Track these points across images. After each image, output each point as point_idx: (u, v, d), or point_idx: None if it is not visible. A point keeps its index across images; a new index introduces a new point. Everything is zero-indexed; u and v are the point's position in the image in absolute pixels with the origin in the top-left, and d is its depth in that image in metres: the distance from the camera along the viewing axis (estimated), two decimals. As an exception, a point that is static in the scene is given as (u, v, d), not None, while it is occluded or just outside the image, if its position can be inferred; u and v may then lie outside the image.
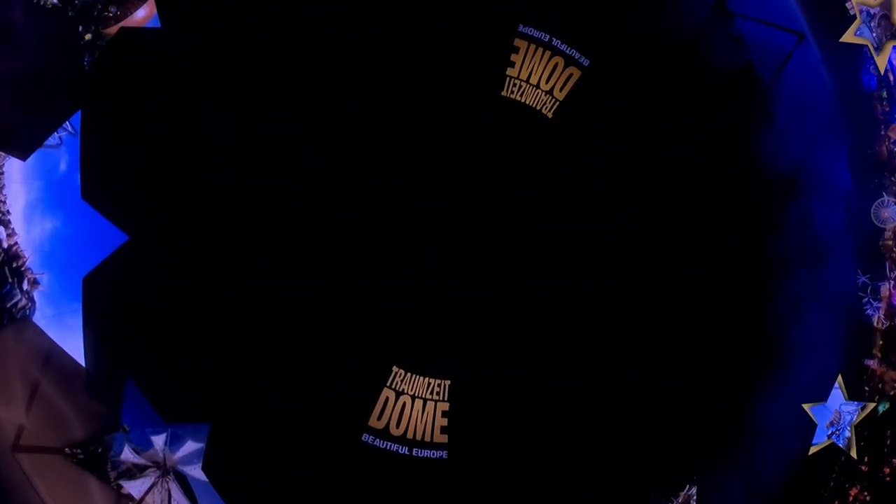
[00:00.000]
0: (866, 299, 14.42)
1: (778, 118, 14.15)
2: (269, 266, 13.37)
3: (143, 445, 12.28)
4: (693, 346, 13.76)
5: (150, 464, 12.30)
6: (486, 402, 13.36)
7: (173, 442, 12.29)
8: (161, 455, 12.30)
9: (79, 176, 13.26)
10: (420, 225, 13.53)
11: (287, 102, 13.17)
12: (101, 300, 13.21)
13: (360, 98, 13.31)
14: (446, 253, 13.57)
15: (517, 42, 13.63)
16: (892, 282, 13.82)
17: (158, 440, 12.25)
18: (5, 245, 13.15)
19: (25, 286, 13.24)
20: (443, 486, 13.31)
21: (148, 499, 12.25)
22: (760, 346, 13.95)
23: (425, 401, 13.45)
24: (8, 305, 12.80)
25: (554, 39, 13.75)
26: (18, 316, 12.74)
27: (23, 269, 13.36)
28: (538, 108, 13.72)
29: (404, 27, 13.25)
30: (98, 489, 11.99)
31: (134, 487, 12.23)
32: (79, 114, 12.81)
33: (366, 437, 13.31)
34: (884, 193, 14.45)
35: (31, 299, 13.29)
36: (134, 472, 12.34)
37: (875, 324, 14.34)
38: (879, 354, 14.34)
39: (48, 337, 12.58)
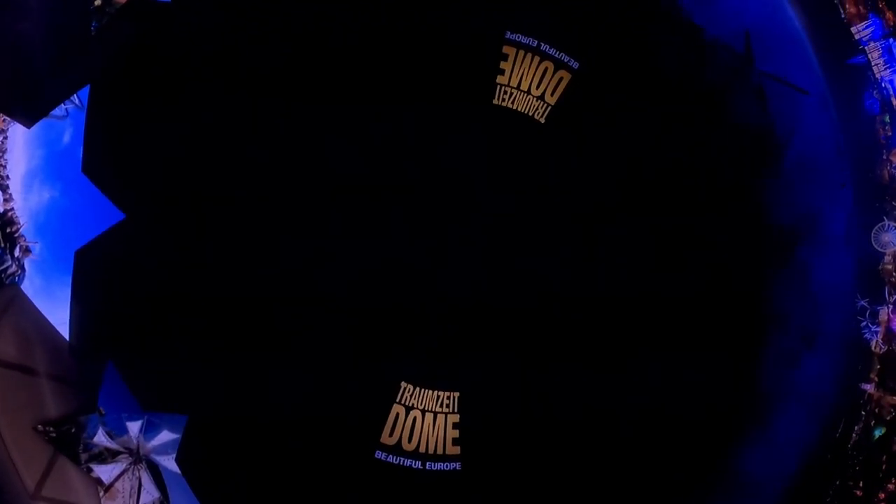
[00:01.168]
0: (865, 323, 13.62)
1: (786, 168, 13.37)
2: (267, 267, 12.71)
3: (117, 430, 11.52)
4: (692, 373, 13.09)
5: (122, 450, 11.52)
6: (497, 412, 12.86)
7: (149, 430, 11.57)
8: (135, 442, 11.54)
9: (81, 149, 12.39)
10: (420, 240, 12.95)
11: (288, 101, 12.59)
12: (91, 276, 12.41)
13: (352, 116, 12.71)
14: (447, 264, 12.99)
15: (506, 49, 12.85)
16: (891, 306, 12.72)
17: (134, 427, 11.53)
18: (1, 209, 12.37)
19: (17, 253, 12.53)
20: (458, 497, 12.80)
21: (118, 485, 11.43)
22: (749, 403, 13.39)
23: (435, 414, 12.83)
24: None
25: (542, 44, 12.92)
26: (7, 282, 11.98)
27: (16, 235, 12.59)
28: (530, 113, 12.95)
29: (393, 42, 12.58)
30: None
31: (104, 472, 11.38)
32: (87, 88, 12.14)
33: (379, 454, 12.72)
34: (884, 218, 13.46)
35: (22, 267, 12.56)
36: (106, 456, 11.50)
37: (873, 348, 13.51)
38: (877, 379, 13.57)
39: (34, 306, 11.81)
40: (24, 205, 12.64)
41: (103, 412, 11.40)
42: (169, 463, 11.32)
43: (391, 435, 12.54)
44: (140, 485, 10.74)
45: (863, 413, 13.39)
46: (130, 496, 10.60)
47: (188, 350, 12.05)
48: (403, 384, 12.54)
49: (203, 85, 12.28)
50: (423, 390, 12.60)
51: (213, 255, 12.33)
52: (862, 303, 13.64)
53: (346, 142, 12.51)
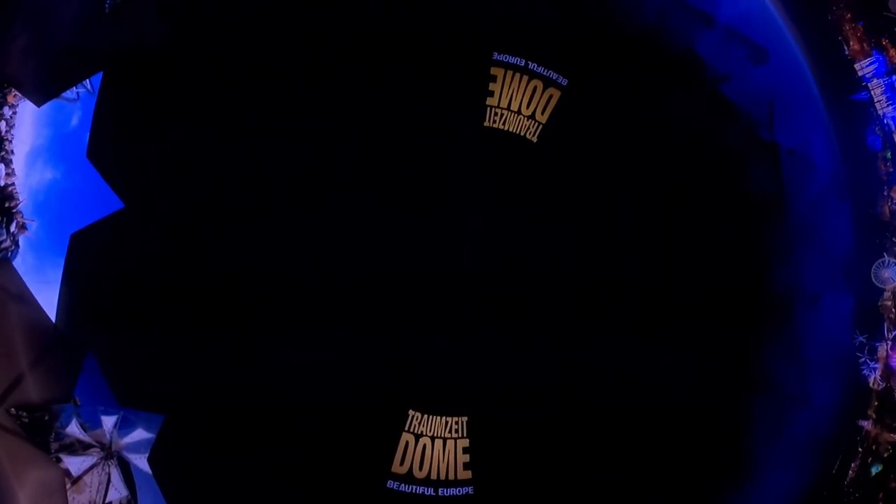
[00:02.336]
0: (863, 359, 12.87)
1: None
2: (264, 276, 11.88)
3: (91, 423, 10.58)
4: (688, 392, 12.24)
5: (94, 443, 10.55)
6: (506, 432, 12.21)
7: (123, 426, 10.64)
8: (108, 437, 10.56)
9: (88, 134, 11.71)
10: (420, 264, 12.18)
11: (291, 109, 11.93)
12: (85, 261, 11.65)
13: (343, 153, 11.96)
14: (448, 285, 12.26)
15: (494, 70, 12.13)
16: (890, 343, 11.84)
17: (108, 421, 10.57)
18: (1, 183, 11.68)
19: (13, 228, 11.76)
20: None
21: (86, 478, 10.49)
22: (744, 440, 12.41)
23: (445, 440, 12.14)
24: None
25: (530, 63, 12.18)
26: None
27: (14, 210, 11.83)
28: (522, 133, 12.21)
29: (380, 71, 11.90)
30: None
31: (74, 464, 10.41)
32: (100, 75, 11.56)
33: (391, 484, 12.04)
34: (884, 254, 12.90)
35: (16, 242, 11.77)
36: (77, 448, 10.54)
37: (871, 384, 12.82)
38: (874, 416, 12.77)
39: (23, 283, 11.00)
40: (26, 182, 11.96)
41: (79, 403, 10.66)
42: (140, 462, 10.51)
43: (402, 464, 11.98)
44: (109, 481, 9.66)
45: (860, 450, 12.61)
46: (98, 491, 9.23)
47: (174, 350, 11.33)
48: (411, 412, 11.98)
49: (212, 85, 11.74)
50: (431, 417, 12.04)
51: (207, 255, 11.69)
52: (860, 338, 12.93)
53: (342, 164, 11.97)
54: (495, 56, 11.94)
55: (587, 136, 12.07)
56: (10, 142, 11.79)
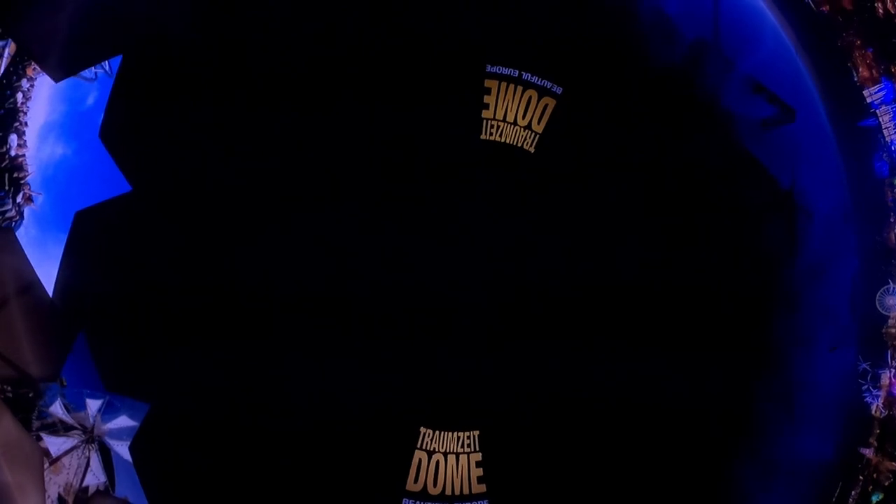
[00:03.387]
0: (866, 387, 12.17)
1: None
2: (267, 279, 11.19)
3: (75, 405, 9.74)
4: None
5: (77, 426, 9.69)
6: (518, 444, 11.65)
7: (108, 411, 9.77)
8: (91, 421, 9.70)
9: (102, 115, 11.16)
10: (426, 282, 11.55)
11: (300, 111, 11.29)
12: (87, 239, 11.03)
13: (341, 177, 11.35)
14: (454, 300, 11.61)
15: (488, 83, 11.56)
16: (894, 370, 10.88)
17: (93, 405, 9.72)
18: (13, 153, 10.98)
19: (19, 199, 11.03)
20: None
21: (65, 460, 9.55)
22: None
23: (458, 455, 11.57)
24: None
25: (524, 73, 11.58)
26: (2, 225, 10.48)
27: (22, 181, 11.11)
28: (519, 144, 11.61)
29: (374, 89, 11.30)
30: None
31: (54, 444, 9.49)
32: (119, 58, 11.03)
33: (406, 502, 11.46)
34: (890, 281, 12.25)
35: (21, 213, 11.06)
36: (59, 428, 9.65)
37: (873, 412, 12.12)
38: (876, 444, 12.01)
39: (24, 254, 10.24)
40: (36, 155, 11.33)
41: (65, 383, 9.93)
42: (121, 449, 9.74)
43: (416, 481, 11.42)
44: (88, 465, 8.99)
45: (861, 478, 11.92)
46: (75, 474, 8.26)
47: (168, 342, 10.75)
48: (423, 429, 11.48)
49: (226, 82, 11.20)
50: (443, 433, 11.54)
51: (210, 249, 11.13)
52: (864, 366, 12.27)
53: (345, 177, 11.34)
54: (489, 68, 11.44)
55: (584, 144, 11.59)
56: (25, 114, 11.22)
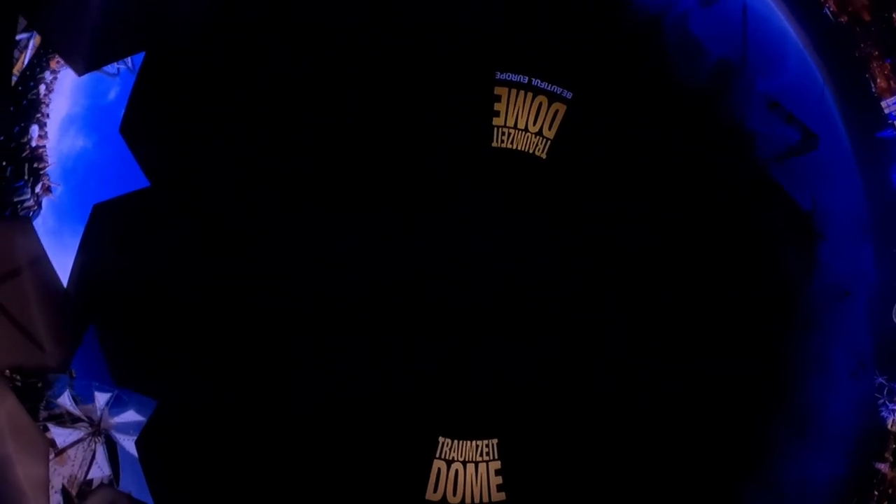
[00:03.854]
0: (882, 401, 11.64)
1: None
2: (281, 281, 10.82)
3: (84, 397, 9.52)
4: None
5: (84, 418, 9.46)
6: (537, 451, 11.27)
7: (116, 405, 9.54)
8: (99, 414, 9.44)
9: (123, 110, 10.88)
10: (440, 297, 11.15)
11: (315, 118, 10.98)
12: (104, 232, 10.73)
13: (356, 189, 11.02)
14: (468, 307, 11.18)
15: (497, 90, 11.19)
16: None
17: (101, 398, 9.49)
18: (34, 143, 10.82)
19: (38, 189, 10.83)
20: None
21: (70, 452, 9.28)
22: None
23: (476, 463, 11.17)
24: (15, 200, 10.33)
25: (534, 80, 11.21)
26: (21, 214, 10.26)
27: (41, 172, 10.91)
28: (531, 151, 11.24)
29: (383, 100, 10.96)
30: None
31: (60, 435, 9.24)
32: (142, 55, 10.80)
33: None
34: None
35: (39, 204, 10.85)
36: (66, 420, 9.40)
37: (889, 427, 11.63)
38: (891, 458, 11.47)
39: (41, 243, 9.99)
40: (57, 146, 11.15)
41: (74, 375, 9.68)
42: (128, 443, 9.53)
43: (435, 491, 11.03)
44: (93, 458, 8.77)
45: (875, 493, 11.39)
46: (80, 466, 7.91)
47: (178, 336, 10.42)
48: (441, 438, 11.11)
49: (247, 82, 10.94)
50: (461, 442, 11.15)
51: (226, 248, 10.84)
52: (880, 380, 11.77)
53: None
54: (498, 75, 11.13)
55: (597, 148, 11.24)
56: (47, 105, 11.09)
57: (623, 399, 11.00)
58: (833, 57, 12.00)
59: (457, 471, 11.02)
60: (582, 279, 11.34)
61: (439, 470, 11.03)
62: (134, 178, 11.08)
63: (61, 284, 10.25)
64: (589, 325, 11.18)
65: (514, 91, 11.17)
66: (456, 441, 11.09)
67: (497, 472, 11.05)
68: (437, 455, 11.07)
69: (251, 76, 10.97)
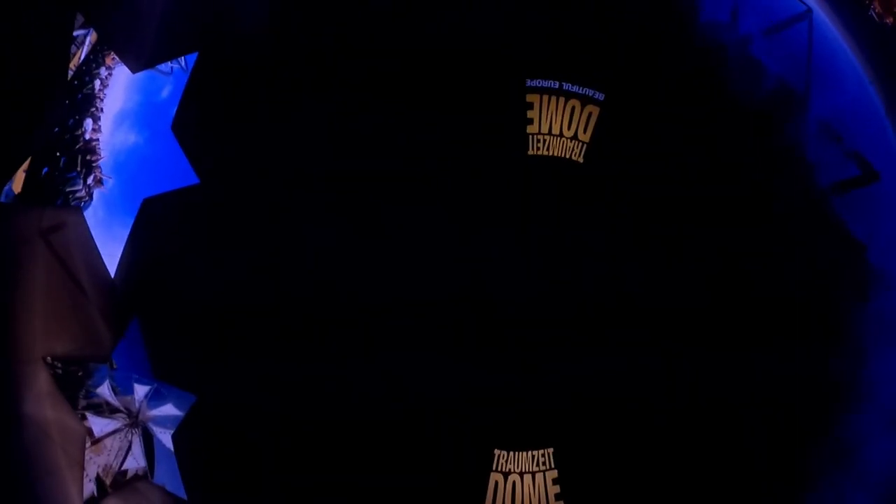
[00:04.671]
0: None
1: None
2: (328, 288, 10.19)
3: (123, 389, 9.12)
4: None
5: (122, 409, 9.08)
6: (593, 457, 10.66)
7: (154, 398, 9.16)
8: (137, 406, 9.11)
9: (175, 108, 10.41)
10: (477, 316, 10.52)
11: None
12: (152, 226, 10.24)
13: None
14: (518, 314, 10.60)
15: (529, 98, 10.59)
16: None
17: (141, 390, 9.15)
18: (87, 136, 10.65)
19: (90, 181, 10.63)
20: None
21: (107, 441, 8.85)
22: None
23: (534, 474, 10.60)
24: (68, 190, 10.10)
25: (564, 84, 10.59)
26: (72, 203, 10.06)
27: (94, 164, 10.71)
28: (567, 156, 10.62)
29: (417, 117, 10.36)
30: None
31: (98, 424, 8.83)
32: (195, 55, 10.39)
33: None
34: None
35: (91, 195, 10.65)
36: (104, 409, 9.00)
37: None
38: None
39: (90, 233, 9.65)
40: (110, 140, 10.97)
41: (115, 365, 9.34)
42: (164, 437, 9.17)
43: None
44: (129, 449, 8.47)
45: None
46: (116, 456, 7.59)
47: (220, 334, 9.89)
48: (496, 451, 10.54)
49: (299, 88, 10.46)
50: (517, 453, 10.59)
51: (273, 249, 10.32)
52: None
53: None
54: (528, 83, 10.55)
55: (634, 147, 10.56)
56: (102, 100, 11.04)
57: (676, 401, 10.35)
58: (877, 58, 10.98)
59: (514, 483, 10.41)
60: (626, 281, 10.59)
61: (496, 483, 10.46)
62: (184, 175, 10.73)
63: (109, 275, 9.94)
64: (638, 328, 10.43)
65: (545, 97, 10.59)
66: (511, 453, 10.50)
67: (554, 482, 10.49)
68: (494, 468, 10.48)
69: (301, 80, 10.54)
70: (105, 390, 8.88)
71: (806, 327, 10.42)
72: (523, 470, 10.50)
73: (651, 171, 10.58)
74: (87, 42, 10.37)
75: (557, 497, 10.54)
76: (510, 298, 10.49)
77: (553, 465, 10.51)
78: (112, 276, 9.95)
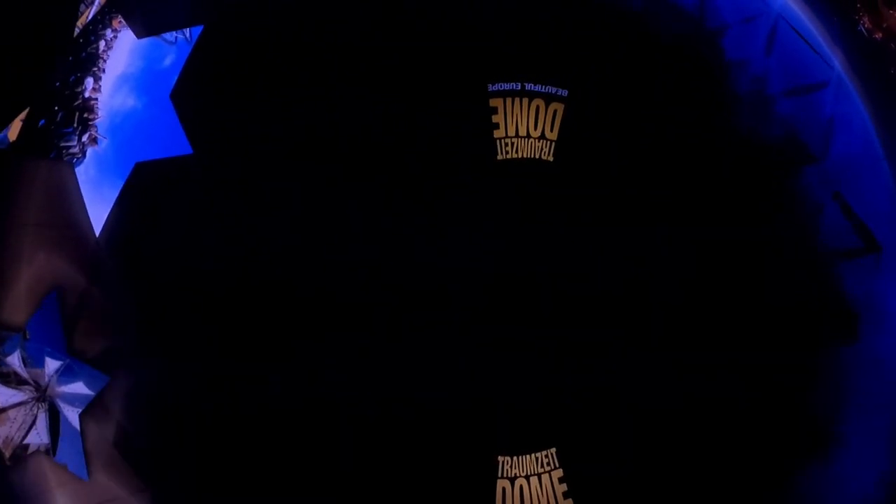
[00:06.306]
0: None
1: None
2: (314, 280, 8.54)
3: (34, 360, 7.28)
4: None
5: (31, 381, 7.33)
6: (597, 452, 9.33)
7: (65, 374, 7.26)
8: (46, 380, 7.27)
9: (175, 78, 9.19)
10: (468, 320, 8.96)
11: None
12: (142, 191, 8.96)
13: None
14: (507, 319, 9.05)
15: (493, 102, 9.07)
16: None
17: (52, 365, 7.29)
18: (87, 94, 9.53)
19: (85, 139, 9.51)
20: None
21: (11, 413, 7.23)
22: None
23: (539, 476, 9.38)
24: (62, 144, 8.97)
25: (527, 84, 9.03)
26: (65, 158, 8.84)
27: (91, 123, 9.53)
28: (537, 156, 9.09)
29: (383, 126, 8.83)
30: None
31: (3, 394, 7.22)
32: (200, 28, 9.16)
33: None
34: None
35: (84, 152, 9.41)
36: (11, 380, 7.29)
37: None
38: None
39: (79, 190, 8.55)
40: (108, 101, 9.76)
41: (28, 336, 7.66)
42: (72, 415, 7.46)
43: None
44: (34, 423, 7.55)
45: None
46: (19, 429, 6.46)
47: (189, 310, 8.40)
48: (500, 458, 9.52)
49: (301, 69, 9.10)
50: (520, 457, 9.61)
51: (259, 226, 8.84)
52: None
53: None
54: (490, 87, 9.32)
55: (604, 141, 9.21)
56: (105, 61, 9.92)
57: (679, 395, 9.02)
58: (868, 74, 9.51)
59: (521, 486, 9.43)
60: (623, 279, 9.25)
61: (504, 489, 9.46)
62: (178, 144, 9.61)
63: (94, 232, 8.82)
64: (636, 325, 9.10)
65: (509, 100, 9.42)
66: (515, 457, 9.52)
67: (561, 480, 9.53)
68: (500, 475, 9.50)
69: (300, 60, 9.25)
70: (15, 360, 7.64)
71: (805, 328, 8.92)
72: (529, 472, 9.43)
73: (624, 164, 9.10)
74: (96, 2, 9.53)
75: (566, 495, 9.49)
76: (494, 302, 9.06)
77: (558, 465, 9.47)
78: (97, 234, 8.97)
